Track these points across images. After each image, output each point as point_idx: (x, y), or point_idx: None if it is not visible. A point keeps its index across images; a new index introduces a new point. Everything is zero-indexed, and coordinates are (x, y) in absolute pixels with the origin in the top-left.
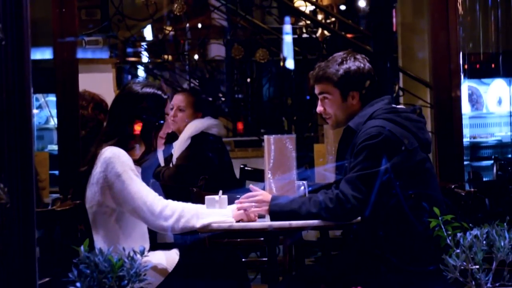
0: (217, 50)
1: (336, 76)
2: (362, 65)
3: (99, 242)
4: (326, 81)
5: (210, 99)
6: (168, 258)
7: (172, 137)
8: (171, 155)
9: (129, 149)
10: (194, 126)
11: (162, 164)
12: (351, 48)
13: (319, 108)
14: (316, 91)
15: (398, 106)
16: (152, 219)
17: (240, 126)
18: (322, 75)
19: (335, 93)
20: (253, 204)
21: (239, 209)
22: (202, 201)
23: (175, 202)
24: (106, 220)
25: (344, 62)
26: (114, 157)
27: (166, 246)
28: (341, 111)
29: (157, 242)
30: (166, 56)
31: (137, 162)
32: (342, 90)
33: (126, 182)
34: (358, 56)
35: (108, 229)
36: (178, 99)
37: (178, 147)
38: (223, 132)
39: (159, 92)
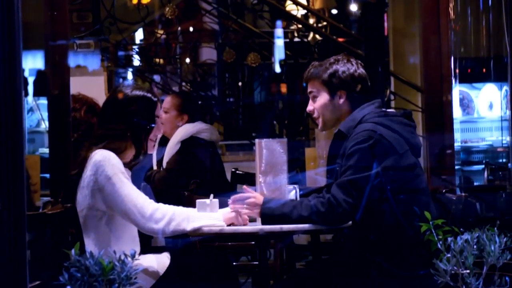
0: (208, 53)
1: (325, 74)
2: (353, 67)
3: (90, 246)
4: (315, 79)
5: (199, 102)
6: (159, 262)
7: (164, 140)
8: (162, 158)
9: (119, 152)
10: (184, 130)
11: (154, 167)
12: (345, 52)
13: (309, 108)
14: (308, 90)
15: (388, 110)
16: (142, 222)
17: None
18: (312, 73)
19: (323, 91)
20: (245, 206)
21: (232, 210)
22: (193, 205)
23: (166, 205)
24: (96, 223)
25: (336, 62)
26: (104, 160)
27: (157, 250)
28: (328, 111)
29: (150, 246)
30: (157, 60)
31: (127, 165)
32: (330, 88)
33: (116, 185)
34: (352, 60)
35: (99, 232)
36: (164, 101)
37: (168, 151)
38: (215, 137)
39: (149, 95)
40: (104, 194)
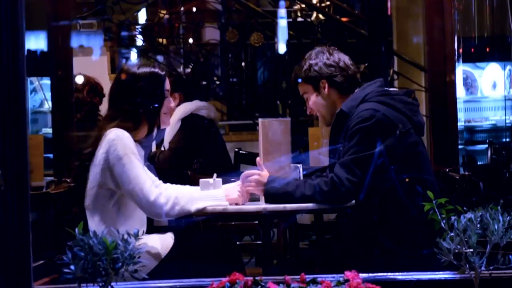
0: (211, 33)
1: (302, 73)
2: (325, 55)
3: (95, 225)
4: (298, 81)
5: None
6: (162, 242)
7: None
8: (162, 139)
9: (133, 130)
10: (184, 108)
11: (154, 148)
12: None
13: (308, 110)
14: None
15: (391, 89)
16: (147, 206)
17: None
18: (294, 78)
19: (309, 89)
20: (249, 184)
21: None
22: (196, 184)
23: (169, 187)
24: (105, 202)
25: (308, 58)
26: (117, 139)
27: (161, 230)
28: (322, 105)
29: (153, 226)
30: (160, 40)
31: (141, 141)
32: (312, 83)
33: (126, 166)
34: (325, 49)
35: (107, 211)
36: None
37: (168, 131)
38: (215, 115)
39: (156, 70)
40: (113, 173)
